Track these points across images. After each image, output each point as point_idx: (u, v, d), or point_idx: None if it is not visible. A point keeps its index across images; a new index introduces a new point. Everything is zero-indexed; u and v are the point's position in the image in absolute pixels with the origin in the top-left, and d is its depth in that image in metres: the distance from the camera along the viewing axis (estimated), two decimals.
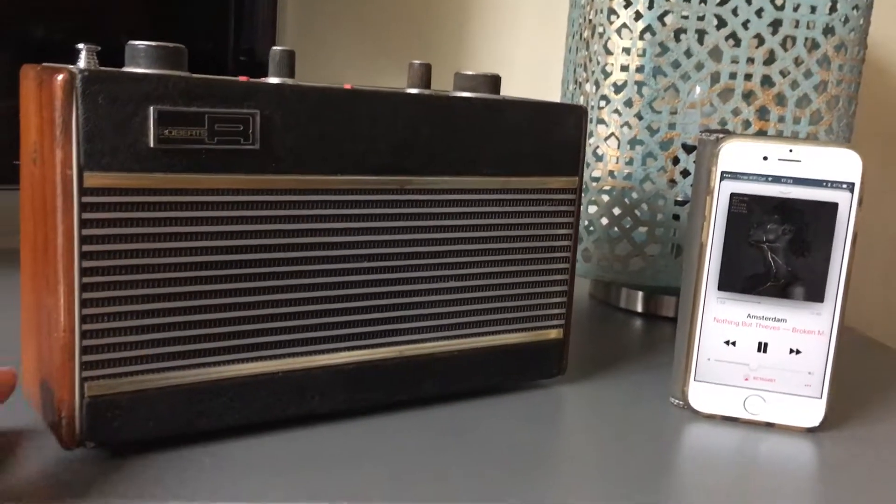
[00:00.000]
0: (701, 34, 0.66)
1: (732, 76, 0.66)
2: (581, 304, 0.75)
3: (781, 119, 0.66)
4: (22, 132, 0.40)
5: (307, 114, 0.40)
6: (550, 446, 0.44)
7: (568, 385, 0.53)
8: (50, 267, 0.36)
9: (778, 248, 0.47)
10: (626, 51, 0.67)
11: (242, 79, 0.39)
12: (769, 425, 0.49)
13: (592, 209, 0.71)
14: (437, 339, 0.46)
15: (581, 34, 0.72)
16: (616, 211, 0.70)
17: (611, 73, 0.68)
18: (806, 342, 0.48)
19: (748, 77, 0.66)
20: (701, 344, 0.49)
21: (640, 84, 0.67)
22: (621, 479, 0.40)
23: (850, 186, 0.46)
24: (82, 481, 0.36)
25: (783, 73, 0.66)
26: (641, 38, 0.67)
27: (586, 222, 0.71)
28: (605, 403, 0.50)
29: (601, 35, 0.68)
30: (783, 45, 0.67)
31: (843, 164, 0.46)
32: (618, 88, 0.68)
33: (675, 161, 0.68)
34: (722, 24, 0.66)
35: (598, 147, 0.70)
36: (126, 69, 0.37)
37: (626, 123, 0.68)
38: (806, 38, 0.66)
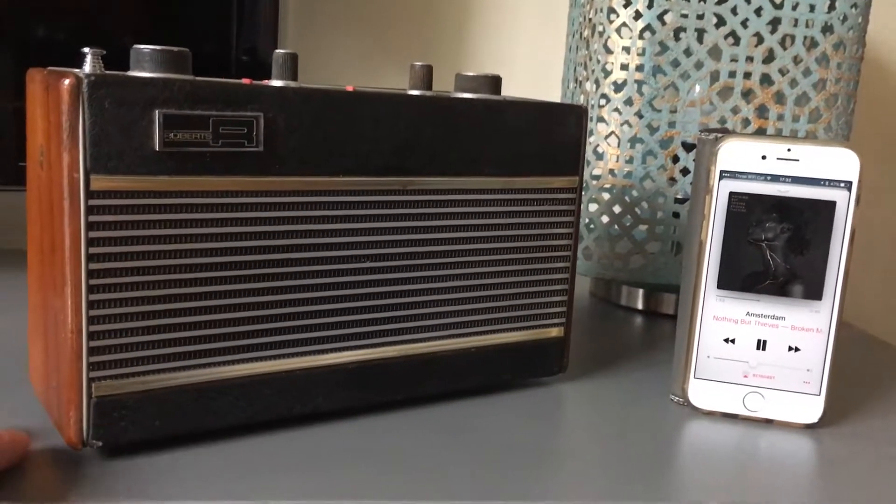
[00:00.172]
0: (700, 33, 0.66)
1: (732, 75, 0.66)
2: (582, 301, 0.75)
3: (780, 117, 0.67)
4: (28, 135, 0.40)
5: (310, 116, 0.41)
6: (552, 443, 0.44)
7: (569, 383, 0.53)
8: (57, 269, 0.37)
9: (776, 247, 0.48)
10: (626, 50, 0.68)
11: (246, 81, 0.40)
12: (768, 422, 0.49)
13: (593, 207, 0.72)
14: (440, 338, 0.47)
15: (581, 33, 0.72)
16: (616, 209, 0.70)
17: (611, 72, 0.68)
18: (804, 340, 0.48)
19: (747, 75, 0.66)
20: (701, 341, 0.49)
21: (639, 83, 0.68)
22: (622, 476, 0.41)
23: (848, 185, 0.47)
24: (89, 481, 0.36)
25: (782, 72, 0.66)
26: (641, 36, 0.67)
27: (587, 220, 0.71)
28: (605, 401, 0.51)
29: (601, 34, 0.69)
30: (782, 43, 0.67)
31: (840, 163, 0.47)
32: (618, 87, 0.69)
33: (675, 159, 0.68)
34: (721, 22, 0.66)
35: (598, 145, 0.70)
36: (132, 73, 0.37)
37: (626, 122, 0.68)
38: (805, 37, 0.66)
